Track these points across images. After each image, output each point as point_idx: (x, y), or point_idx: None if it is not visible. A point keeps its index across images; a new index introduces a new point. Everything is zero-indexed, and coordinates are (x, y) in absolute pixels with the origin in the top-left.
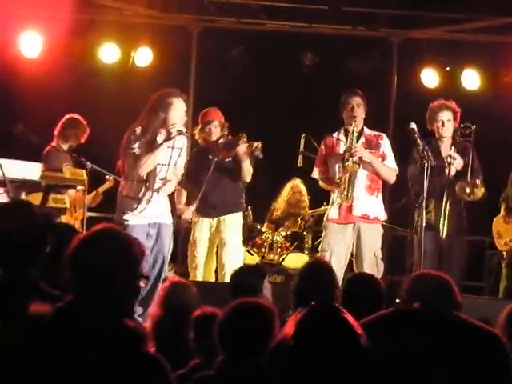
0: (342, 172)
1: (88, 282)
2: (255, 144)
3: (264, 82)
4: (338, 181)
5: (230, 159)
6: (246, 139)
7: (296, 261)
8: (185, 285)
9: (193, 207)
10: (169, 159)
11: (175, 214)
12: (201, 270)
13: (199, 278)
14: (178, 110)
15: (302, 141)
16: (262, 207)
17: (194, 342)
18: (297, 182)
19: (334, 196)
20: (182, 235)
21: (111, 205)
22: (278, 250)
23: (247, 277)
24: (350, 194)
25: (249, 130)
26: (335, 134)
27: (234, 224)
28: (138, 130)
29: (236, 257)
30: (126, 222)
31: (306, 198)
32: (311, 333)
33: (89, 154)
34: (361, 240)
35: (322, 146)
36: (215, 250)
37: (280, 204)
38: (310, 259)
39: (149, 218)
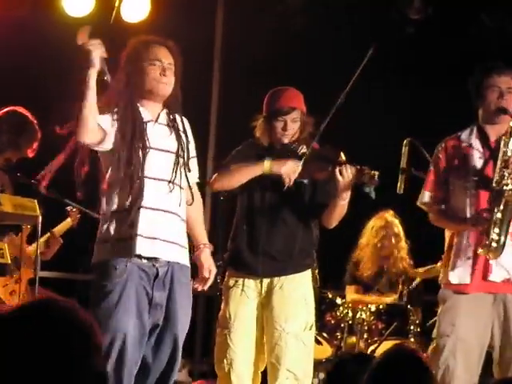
0: (493, 201)
1: None
2: (371, 172)
3: (336, 44)
4: (484, 217)
5: (306, 181)
6: (369, 171)
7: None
8: None
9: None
10: (176, 144)
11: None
12: (239, 372)
13: None
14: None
15: (405, 150)
16: (333, 262)
17: None
18: (391, 218)
19: (462, 242)
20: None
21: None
22: (365, 336)
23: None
24: (502, 241)
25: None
26: (463, 136)
27: (301, 290)
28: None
29: (303, 349)
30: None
31: (404, 243)
32: None
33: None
34: (510, 322)
35: (441, 155)
36: (265, 336)
37: (364, 254)
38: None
39: (148, 251)
